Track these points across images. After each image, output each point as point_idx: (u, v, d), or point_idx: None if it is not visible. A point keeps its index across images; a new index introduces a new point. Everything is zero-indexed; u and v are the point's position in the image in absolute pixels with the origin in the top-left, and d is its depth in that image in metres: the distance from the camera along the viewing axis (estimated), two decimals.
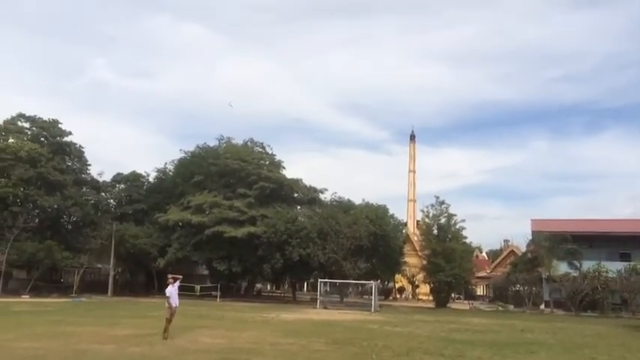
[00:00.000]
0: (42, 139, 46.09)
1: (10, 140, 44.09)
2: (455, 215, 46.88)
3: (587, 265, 43.36)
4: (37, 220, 45.61)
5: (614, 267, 42.71)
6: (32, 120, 46.52)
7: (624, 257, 45.84)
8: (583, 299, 41.64)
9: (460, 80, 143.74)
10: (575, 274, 42.87)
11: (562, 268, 43.89)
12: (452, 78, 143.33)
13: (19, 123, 46.15)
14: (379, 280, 50.62)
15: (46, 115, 47.15)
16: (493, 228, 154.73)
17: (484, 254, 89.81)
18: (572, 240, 43.88)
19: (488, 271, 69.49)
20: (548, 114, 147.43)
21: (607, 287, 41.60)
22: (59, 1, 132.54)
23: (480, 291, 70.89)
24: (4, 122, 45.37)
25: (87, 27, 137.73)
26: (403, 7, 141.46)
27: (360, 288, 52.98)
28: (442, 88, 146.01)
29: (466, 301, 54.12)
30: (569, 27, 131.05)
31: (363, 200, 48.76)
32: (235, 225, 44.52)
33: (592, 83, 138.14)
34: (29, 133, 46.01)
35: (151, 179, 54.60)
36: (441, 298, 46.75)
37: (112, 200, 53.83)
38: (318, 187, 52.02)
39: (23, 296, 38.20)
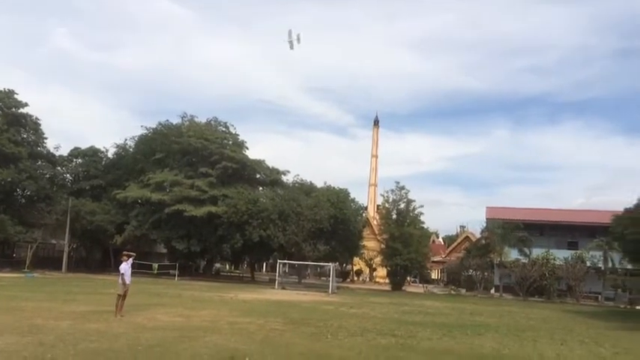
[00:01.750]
0: None
1: None
2: (414, 201, 48.01)
3: (537, 252, 45.24)
4: None
5: (561, 255, 44.70)
6: None
7: (572, 246, 48.01)
8: (531, 285, 43.48)
9: (428, 68, 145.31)
10: (524, 261, 44.65)
11: (513, 254, 45.64)
12: (420, 65, 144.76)
13: None
14: (338, 263, 51.44)
15: (1, 86, 45.49)
16: (451, 214, 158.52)
17: (440, 239, 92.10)
18: (523, 228, 45.64)
19: (444, 256, 71.46)
20: (511, 104, 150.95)
21: (554, 274, 43.55)
22: None
23: (434, 275, 72.85)
24: None
25: None
26: None
27: (318, 270, 53.65)
28: (410, 75, 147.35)
29: (421, 285, 55.61)
30: (537, 19, 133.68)
31: (325, 183, 49.33)
32: (196, 204, 44.30)
33: (555, 76, 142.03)
34: None
35: (110, 155, 53.44)
36: (396, 281, 47.93)
37: (68, 175, 52.50)
38: (282, 168, 52.23)
39: None
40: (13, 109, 45.19)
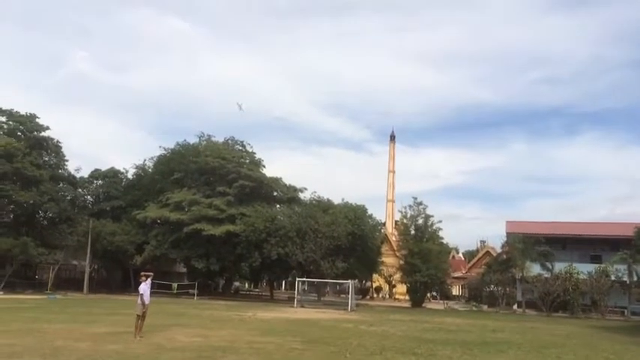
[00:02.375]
0: (19, 133, 45.56)
1: None
2: (432, 216, 47.72)
3: (560, 266, 44.44)
4: (12, 216, 45.10)
5: (585, 269, 43.83)
6: (9, 114, 45.84)
7: (595, 259, 47.08)
8: (554, 300, 42.66)
9: (443, 81, 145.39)
10: (547, 276, 43.88)
11: (535, 269, 44.89)
12: (434, 79, 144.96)
13: None
14: (357, 280, 51.11)
15: (23, 109, 46.58)
16: (470, 229, 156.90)
17: (460, 255, 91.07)
18: (545, 242, 44.91)
19: (464, 272, 70.54)
20: (528, 116, 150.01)
21: (578, 289, 42.67)
22: None
23: (455, 291, 71.90)
24: None
25: (67, 19, 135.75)
26: (388, 7, 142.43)
27: (337, 287, 53.37)
28: (424, 89, 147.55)
29: (442, 301, 54.91)
30: (551, 30, 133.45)
31: (343, 200, 49.25)
32: (214, 223, 44.51)
33: (572, 87, 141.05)
34: (5, 127, 45.42)
35: (129, 176, 54.22)
36: (417, 298, 47.42)
37: (89, 196, 53.30)
38: (298, 186, 52.35)
39: None
40: (35, 133, 46.19)
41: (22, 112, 46.20)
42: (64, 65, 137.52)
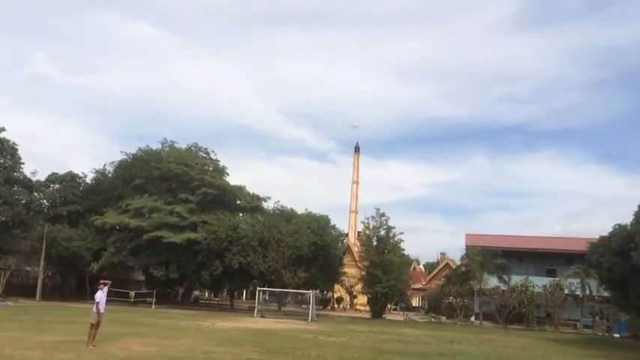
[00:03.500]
0: None
1: None
2: (394, 227, 48.19)
3: (516, 279, 45.57)
4: None
5: (540, 282, 45.10)
6: None
7: (550, 273, 48.52)
8: (510, 312, 43.67)
9: (408, 95, 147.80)
10: (504, 288, 44.91)
11: (492, 281, 45.92)
12: (400, 92, 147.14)
13: None
14: (318, 290, 51.08)
15: None
16: (432, 241, 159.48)
17: (421, 266, 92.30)
18: (502, 255, 46.02)
19: (424, 283, 71.52)
20: (489, 132, 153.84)
21: (533, 301, 43.84)
22: None
23: (415, 302, 72.70)
24: None
25: (28, 19, 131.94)
26: (357, 19, 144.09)
27: (298, 297, 53.24)
28: (389, 102, 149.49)
29: (402, 312, 55.40)
30: (512, 49, 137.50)
31: (306, 210, 49.23)
32: (175, 230, 43.79)
33: (532, 104, 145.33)
34: None
35: (88, 180, 52.70)
36: (377, 309, 47.72)
37: (45, 201, 51.51)
38: (262, 194, 52.02)
39: None
40: None
41: None
42: (25, 66, 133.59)
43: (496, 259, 45.68)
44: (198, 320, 29.24)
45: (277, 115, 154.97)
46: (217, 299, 66.05)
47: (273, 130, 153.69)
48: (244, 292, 70.07)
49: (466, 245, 51.01)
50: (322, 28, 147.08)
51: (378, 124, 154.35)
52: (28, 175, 48.57)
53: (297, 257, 43.13)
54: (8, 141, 45.75)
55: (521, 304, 43.60)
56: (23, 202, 46.42)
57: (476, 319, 46.38)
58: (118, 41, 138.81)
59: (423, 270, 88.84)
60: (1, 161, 45.84)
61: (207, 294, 71.80)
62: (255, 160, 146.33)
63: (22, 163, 47.78)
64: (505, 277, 45.63)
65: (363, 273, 49.05)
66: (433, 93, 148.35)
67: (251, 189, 51.95)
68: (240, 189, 50.98)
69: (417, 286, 69.02)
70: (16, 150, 46.66)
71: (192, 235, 43.31)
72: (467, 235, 54.01)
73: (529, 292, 44.06)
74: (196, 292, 63.43)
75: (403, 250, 49.89)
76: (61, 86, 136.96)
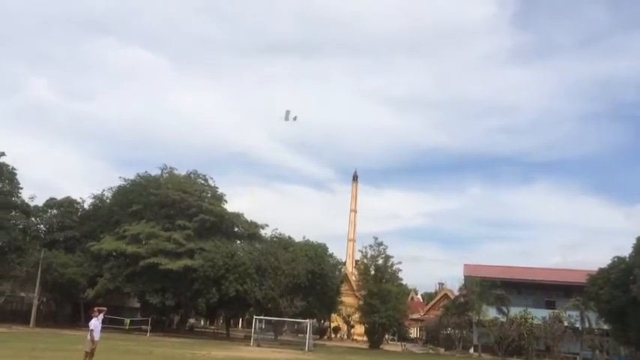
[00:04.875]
0: None
1: None
2: (392, 257, 48.03)
3: (515, 311, 45.19)
4: None
5: (539, 314, 44.75)
6: None
7: (549, 305, 48.21)
8: (509, 344, 43.17)
9: (403, 124, 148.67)
10: (503, 320, 44.49)
11: (491, 313, 45.50)
12: (395, 122, 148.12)
13: None
14: (315, 319, 50.56)
15: None
16: (430, 270, 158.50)
17: (419, 296, 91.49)
18: (501, 286, 45.75)
19: (422, 314, 70.79)
20: (484, 162, 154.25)
21: (532, 333, 43.41)
22: None
23: (413, 333, 71.90)
24: None
25: (25, 45, 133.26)
26: (352, 49, 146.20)
27: (295, 326, 52.56)
28: (386, 131, 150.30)
29: (399, 343, 54.73)
30: (506, 81, 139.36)
31: (304, 238, 49.08)
32: (172, 257, 43.55)
33: (527, 136, 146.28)
34: None
35: (86, 206, 52.57)
36: (374, 339, 47.17)
37: (42, 226, 51.32)
38: (260, 222, 51.89)
39: None
40: None
41: None
42: (22, 91, 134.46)
43: (495, 290, 45.39)
44: (193, 349, 28.86)
45: (274, 142, 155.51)
46: (213, 327, 65.31)
47: (269, 157, 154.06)
48: (240, 320, 69.29)
49: (464, 275, 50.78)
50: (317, 58, 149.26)
51: (376, 152, 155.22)
52: (27, 199, 48.58)
53: (294, 285, 42.86)
54: (7, 166, 45.90)
55: (520, 336, 43.14)
56: (20, 227, 46.39)
57: (474, 351, 45.83)
58: (113, 66, 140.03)
59: (421, 300, 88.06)
60: (0, 185, 45.86)
61: (202, 322, 70.99)
62: (253, 187, 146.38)
63: (21, 188, 47.86)
64: (504, 308, 45.26)
65: (361, 302, 48.63)
66: (428, 123, 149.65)
67: (249, 216, 51.93)
68: (237, 216, 50.94)
69: (415, 316, 68.32)
70: (15, 174, 46.78)
71: (189, 262, 43.08)
72: (465, 265, 53.81)
73: (528, 324, 43.65)
74: (192, 320, 62.72)
75: (401, 279, 49.74)
76: (59, 111, 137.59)
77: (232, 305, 45.87)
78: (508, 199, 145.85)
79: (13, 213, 46.64)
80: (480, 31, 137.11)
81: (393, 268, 47.89)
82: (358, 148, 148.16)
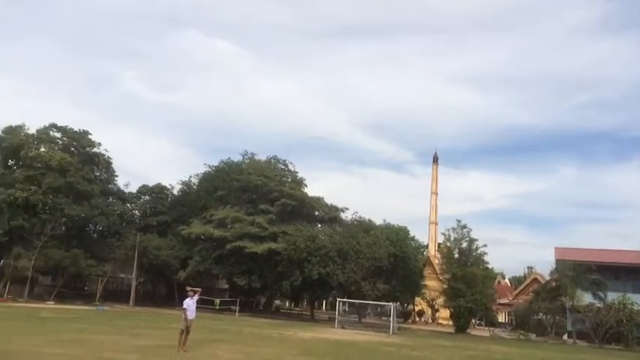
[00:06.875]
0: (72, 149, 47.25)
1: (42, 149, 45.52)
2: (477, 240, 46.47)
3: (612, 296, 42.36)
4: (64, 228, 46.67)
5: None
6: (63, 130, 47.81)
7: None
8: (607, 331, 40.62)
9: (486, 103, 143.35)
10: (599, 305, 41.92)
11: (586, 298, 42.93)
12: (478, 101, 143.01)
13: (51, 133, 47.56)
14: (398, 303, 50.26)
15: (76, 126, 48.43)
16: (516, 254, 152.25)
17: (506, 280, 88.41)
18: (596, 270, 43.00)
19: (511, 298, 68.25)
20: (576, 140, 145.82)
21: (632, 320, 40.54)
22: (90, 15, 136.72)
23: (501, 318, 69.61)
24: (37, 131, 46.82)
25: (117, 41, 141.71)
26: (427, 29, 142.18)
27: (379, 309, 52.58)
28: (468, 111, 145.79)
29: (487, 328, 53.22)
30: (598, 54, 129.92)
31: (384, 221, 48.79)
32: (256, 240, 44.82)
33: (620, 110, 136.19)
34: (60, 143, 47.27)
35: (175, 192, 55.37)
36: (460, 324, 46.11)
37: (136, 211, 54.65)
38: (340, 205, 52.17)
39: (48, 302, 39.02)
40: (87, 149, 47.89)
41: (76, 129, 48.11)
42: (115, 84, 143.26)
43: (589, 275, 42.75)
44: (280, 329, 29.60)
45: (352, 126, 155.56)
46: (297, 309, 66.76)
47: (348, 141, 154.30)
48: (324, 302, 70.32)
49: (556, 259, 48.16)
50: (393, 39, 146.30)
51: (456, 133, 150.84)
52: (122, 187, 51.90)
53: (376, 269, 42.74)
54: (103, 155, 49.07)
55: (619, 322, 40.45)
56: (117, 212, 49.48)
57: (569, 337, 43.51)
58: (196, 57, 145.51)
59: (509, 284, 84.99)
60: (97, 174, 49.23)
61: (287, 304, 72.78)
62: (332, 171, 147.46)
63: (116, 176, 51.27)
64: (600, 293, 42.56)
65: (445, 286, 47.64)
66: (511, 101, 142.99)
67: (328, 200, 52.33)
68: (318, 200, 51.43)
69: (503, 301, 65.97)
70: (111, 164, 50.03)
71: (272, 246, 44.14)
72: (556, 248, 50.95)
73: (627, 310, 40.82)
74: (277, 302, 64.43)
75: (487, 263, 48.01)
76: (148, 103, 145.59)
77: (315, 288, 46.56)
78: (602, 178, 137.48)
79: (111, 199, 49.92)
80: (565, 0, 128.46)
81: (478, 251, 46.42)
82: (438, 129, 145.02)
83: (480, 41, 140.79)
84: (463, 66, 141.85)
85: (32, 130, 46.79)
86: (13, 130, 45.83)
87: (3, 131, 45.60)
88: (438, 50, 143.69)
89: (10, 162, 45.95)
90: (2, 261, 43.23)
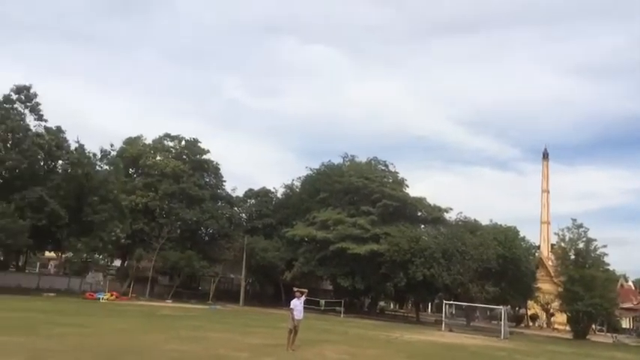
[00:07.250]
0: (184, 156, 50.49)
1: (158, 158, 49.05)
2: (595, 240, 43.27)
3: None
4: (178, 231, 49.74)
5: None
6: (176, 139, 51.23)
7: None
8: None
9: (598, 94, 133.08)
10: None
11: None
12: (588, 91, 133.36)
13: (165, 142, 51.22)
14: (509, 306, 47.97)
15: (187, 134, 51.69)
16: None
17: (630, 283, 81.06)
18: None
19: (635, 303, 62.55)
20: None
21: None
22: (194, 29, 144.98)
23: (625, 324, 64.01)
24: (153, 141, 50.55)
25: (219, 53, 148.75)
26: (527, 19, 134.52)
27: (488, 313, 50.58)
28: (577, 102, 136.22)
29: (609, 334, 49.19)
30: None
31: (491, 221, 47.08)
32: (359, 242, 44.95)
33: None
34: (174, 151, 50.70)
35: (279, 195, 57.11)
36: (579, 329, 43.03)
37: (243, 214, 57.04)
38: (443, 206, 50.88)
39: (167, 301, 41.81)
40: (198, 156, 50.90)
41: (187, 137, 51.33)
42: (220, 94, 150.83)
43: None
44: (385, 331, 29.39)
45: (452, 124, 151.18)
46: (402, 311, 65.99)
47: (449, 140, 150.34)
48: (429, 304, 68.93)
49: None
50: (490, 33, 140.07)
51: (565, 126, 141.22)
52: (229, 191, 54.42)
53: (483, 270, 41.20)
54: (212, 161, 51.85)
55: None
56: (226, 216, 51.96)
57: None
58: (295, 63, 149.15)
59: (633, 287, 77.90)
60: (207, 180, 52.04)
61: (392, 305, 72.18)
62: (434, 171, 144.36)
63: (224, 181, 53.86)
64: None
65: (560, 289, 44.75)
66: (628, 90, 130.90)
67: (431, 200, 51.27)
68: (420, 200, 50.55)
69: (626, 305, 60.62)
70: (219, 169, 52.75)
71: (374, 247, 44.03)
72: None
73: None
74: (382, 303, 64.12)
75: (607, 264, 44.40)
76: (250, 110, 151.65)
77: (420, 289, 45.76)
78: None
79: (220, 204, 52.52)
80: None
81: (597, 252, 43.12)
82: (546, 124, 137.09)
83: (585, 29, 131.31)
84: (570, 55, 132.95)
85: (149, 141, 50.62)
86: (132, 141, 49.82)
87: (124, 142, 49.65)
88: (539, 41, 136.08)
89: (131, 170, 49.91)
90: (126, 262, 47.09)
